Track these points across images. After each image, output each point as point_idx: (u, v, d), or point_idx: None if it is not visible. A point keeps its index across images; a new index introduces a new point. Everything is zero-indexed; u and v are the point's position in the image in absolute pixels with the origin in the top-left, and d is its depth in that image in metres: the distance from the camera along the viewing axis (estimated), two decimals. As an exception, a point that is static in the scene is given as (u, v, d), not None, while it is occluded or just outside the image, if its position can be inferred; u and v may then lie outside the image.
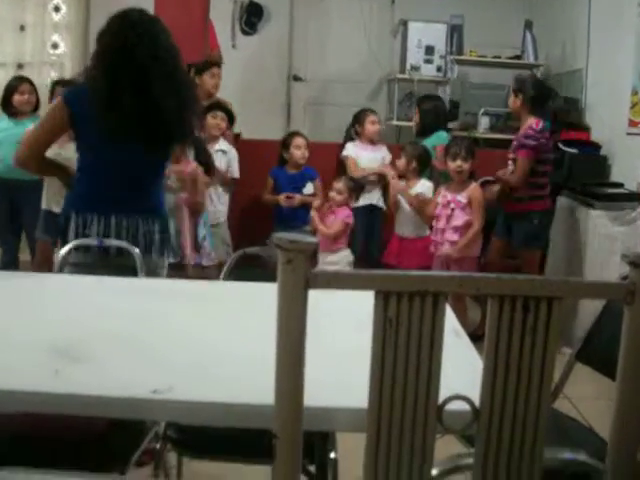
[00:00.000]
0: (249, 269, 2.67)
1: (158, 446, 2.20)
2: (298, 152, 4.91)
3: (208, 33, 5.68)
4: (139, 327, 1.92)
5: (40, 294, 2.25)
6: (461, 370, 1.47)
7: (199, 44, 5.42)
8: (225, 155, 4.75)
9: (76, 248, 2.70)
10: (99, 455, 1.93)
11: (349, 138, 5.27)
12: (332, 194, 4.67)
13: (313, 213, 4.72)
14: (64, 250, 2.69)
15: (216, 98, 4.99)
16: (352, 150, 5.15)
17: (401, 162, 4.74)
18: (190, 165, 4.20)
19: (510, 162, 4.51)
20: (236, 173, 4.81)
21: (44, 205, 4.54)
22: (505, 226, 4.64)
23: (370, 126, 5.13)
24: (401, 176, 4.78)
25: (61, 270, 2.67)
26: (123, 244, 2.73)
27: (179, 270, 4.10)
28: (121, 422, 1.92)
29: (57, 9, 6.94)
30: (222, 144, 4.75)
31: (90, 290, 2.32)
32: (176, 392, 1.47)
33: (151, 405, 1.47)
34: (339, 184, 4.68)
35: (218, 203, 4.72)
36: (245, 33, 6.84)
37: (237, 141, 5.13)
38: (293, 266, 1.07)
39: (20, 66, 6.95)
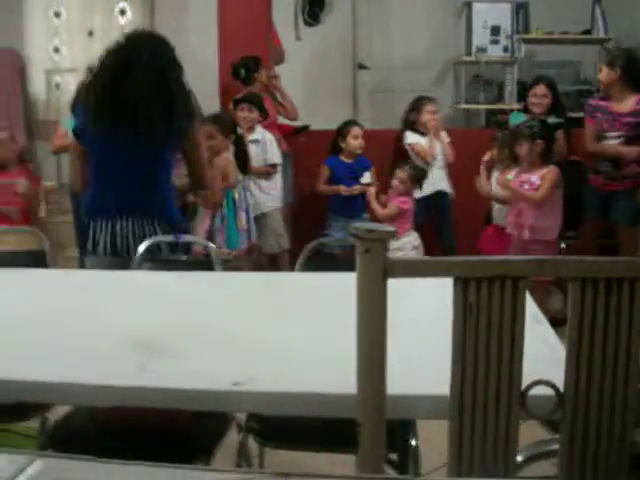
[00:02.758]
0: (314, 259, 2.67)
1: (241, 437, 2.24)
2: (356, 142, 4.87)
3: (271, 28, 5.71)
4: (219, 320, 1.95)
5: (118, 291, 2.31)
6: (543, 355, 1.45)
7: (262, 39, 5.45)
8: (258, 144, 4.73)
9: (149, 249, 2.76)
10: (183, 447, 1.97)
11: (406, 124, 5.19)
12: (395, 182, 4.63)
13: (371, 198, 4.69)
14: (141, 249, 2.75)
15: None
16: (412, 137, 5.11)
17: (494, 151, 4.63)
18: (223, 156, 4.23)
19: (617, 143, 4.39)
20: (276, 158, 4.78)
21: None
22: (602, 205, 4.50)
23: (427, 115, 5.05)
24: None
25: (139, 266, 2.73)
26: (198, 239, 2.78)
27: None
28: (204, 413, 1.95)
29: (123, 12, 7.08)
30: (255, 134, 4.74)
31: (169, 284, 2.37)
32: (257, 383, 1.49)
33: (233, 397, 1.50)
34: (403, 173, 4.64)
35: (260, 194, 4.72)
36: (308, 24, 6.84)
37: (304, 132, 5.14)
38: (371, 255, 1.07)
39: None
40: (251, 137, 4.71)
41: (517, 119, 5.05)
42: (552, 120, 4.85)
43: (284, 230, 4.82)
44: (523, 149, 4.23)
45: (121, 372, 1.58)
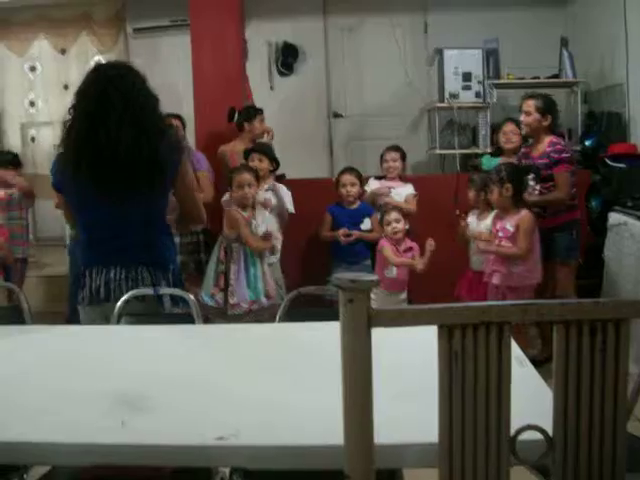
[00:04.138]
0: (309, 309, 2.66)
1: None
2: (343, 190, 4.92)
3: (246, 79, 5.77)
4: (201, 374, 1.93)
5: (99, 345, 2.28)
6: (529, 399, 1.44)
7: (238, 90, 5.50)
8: (273, 193, 4.78)
9: (128, 300, 2.72)
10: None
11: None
12: (392, 226, 4.57)
13: (387, 246, 4.62)
14: (120, 301, 2.72)
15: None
16: (373, 184, 5.17)
17: (470, 194, 4.66)
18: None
19: (534, 184, 4.46)
20: (289, 205, 4.83)
21: None
22: (543, 242, 4.49)
23: (389, 164, 5.13)
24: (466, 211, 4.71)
25: (118, 321, 2.70)
26: (177, 291, 2.76)
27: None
28: (188, 469, 1.92)
29: (98, 65, 7.13)
30: (268, 183, 4.79)
31: (148, 339, 2.34)
32: (242, 437, 1.47)
33: (217, 452, 1.48)
34: (393, 214, 4.62)
35: None
36: (282, 74, 6.93)
37: (281, 182, 5.16)
38: (355, 306, 1.07)
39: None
40: (266, 186, 4.76)
41: (489, 163, 5.12)
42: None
43: (282, 281, 4.79)
44: (494, 195, 4.25)
45: (101, 429, 1.55)
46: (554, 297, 4.39)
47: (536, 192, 4.47)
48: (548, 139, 4.49)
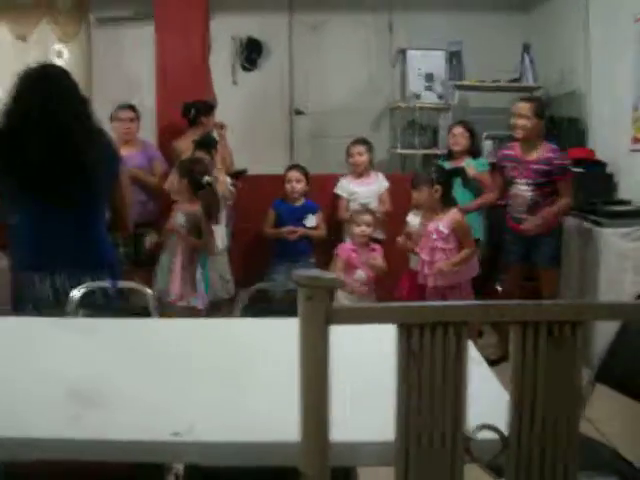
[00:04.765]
0: (256, 305, 2.65)
1: (179, 487, 2.18)
2: (288, 185, 4.92)
3: (209, 72, 5.74)
4: (156, 368, 1.91)
5: (53, 338, 2.25)
6: (484, 398, 1.45)
7: (201, 83, 5.47)
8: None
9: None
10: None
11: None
12: (361, 229, 4.56)
13: (346, 253, 4.61)
14: (77, 295, 2.68)
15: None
16: (345, 186, 5.16)
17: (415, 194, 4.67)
18: (195, 205, 4.23)
19: (527, 189, 4.50)
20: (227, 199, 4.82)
21: None
22: (523, 249, 4.60)
23: (356, 157, 5.12)
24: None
25: (76, 313, 2.66)
26: (133, 285, 2.73)
27: (164, 309, 4.07)
28: (141, 465, 1.90)
29: (59, 55, 7.02)
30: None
31: (103, 332, 2.31)
32: (197, 433, 1.46)
33: (172, 448, 1.46)
34: (366, 217, 4.60)
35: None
36: (246, 69, 6.90)
37: (241, 177, 5.14)
38: (314, 302, 1.06)
39: (24, 112, 7.01)
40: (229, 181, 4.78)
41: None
42: (474, 163, 4.99)
43: (230, 275, 4.76)
44: (423, 195, 4.27)
45: (54, 424, 1.52)
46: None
47: (528, 195, 4.48)
48: (546, 145, 4.50)
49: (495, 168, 4.85)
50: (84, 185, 2.66)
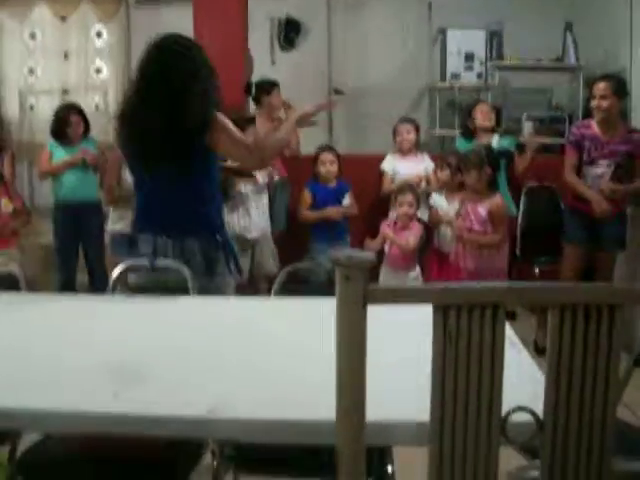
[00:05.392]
0: (294, 284, 2.66)
1: (215, 463, 2.21)
2: (322, 168, 4.90)
3: (248, 52, 5.74)
4: (194, 346, 1.94)
5: (95, 316, 2.28)
6: (521, 382, 1.45)
7: (240, 64, 5.47)
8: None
9: (129, 269, 2.74)
10: (157, 474, 1.94)
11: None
12: (403, 209, 4.55)
13: (386, 229, 4.63)
14: (116, 272, 2.72)
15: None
16: (390, 163, 5.15)
17: (444, 174, 4.68)
18: None
19: (605, 168, 4.37)
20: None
21: (110, 226, 4.65)
22: (589, 231, 4.43)
23: (403, 136, 5.11)
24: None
25: (114, 291, 2.70)
26: (173, 264, 2.75)
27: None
28: (179, 440, 1.93)
29: (99, 35, 7.07)
30: None
31: (143, 310, 2.34)
32: (233, 410, 1.47)
33: (208, 424, 1.48)
34: (408, 196, 4.58)
35: (262, 216, 4.75)
36: (284, 49, 6.88)
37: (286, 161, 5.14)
38: (351, 282, 1.07)
39: (65, 92, 7.09)
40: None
41: (464, 145, 5.09)
42: (501, 143, 4.93)
43: (276, 253, 4.84)
44: (471, 177, 4.23)
45: (94, 399, 1.55)
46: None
47: (608, 175, 4.33)
48: (624, 124, 4.39)
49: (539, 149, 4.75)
50: (174, 152, 2.73)
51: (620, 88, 4.36)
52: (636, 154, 4.31)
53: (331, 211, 4.84)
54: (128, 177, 4.11)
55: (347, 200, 4.92)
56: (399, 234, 4.57)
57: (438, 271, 4.59)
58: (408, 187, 4.70)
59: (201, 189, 2.85)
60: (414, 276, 4.59)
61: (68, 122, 5.07)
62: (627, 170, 4.33)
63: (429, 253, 4.71)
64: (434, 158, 5.18)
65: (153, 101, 2.73)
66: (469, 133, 5.14)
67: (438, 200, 4.69)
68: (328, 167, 4.90)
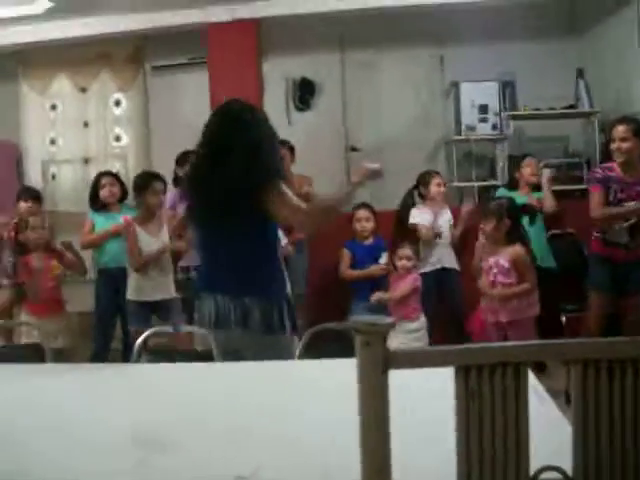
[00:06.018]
0: (328, 344, 2.66)
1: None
2: (357, 225, 4.95)
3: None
4: (220, 412, 1.93)
5: (122, 384, 2.29)
6: (549, 436, 1.43)
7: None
8: None
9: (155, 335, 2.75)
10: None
11: (409, 203, 5.28)
12: (402, 262, 4.62)
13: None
14: (140, 339, 2.74)
15: None
16: (419, 216, 5.16)
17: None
18: None
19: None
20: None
21: (133, 296, 4.64)
22: (614, 276, 4.40)
23: (435, 188, 5.15)
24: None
25: (138, 358, 2.72)
26: (194, 329, 2.77)
27: None
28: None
29: (118, 103, 7.22)
30: None
31: (166, 378, 2.35)
32: (260, 477, 1.47)
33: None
34: (406, 250, 4.65)
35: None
36: (299, 110, 6.98)
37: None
38: (371, 349, 1.07)
39: (86, 161, 7.22)
40: None
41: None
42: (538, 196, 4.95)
43: None
44: (489, 227, 4.23)
45: (119, 469, 1.55)
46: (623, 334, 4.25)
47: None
48: None
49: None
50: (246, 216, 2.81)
51: (639, 130, 4.37)
52: None
53: (375, 269, 4.84)
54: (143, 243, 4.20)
55: (384, 258, 4.91)
56: (396, 283, 4.62)
57: (480, 328, 4.52)
58: (406, 241, 4.78)
59: (261, 249, 2.90)
60: (415, 327, 4.57)
61: (100, 186, 5.08)
62: None
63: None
64: (454, 212, 5.21)
65: (221, 166, 2.81)
66: (514, 185, 5.18)
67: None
68: (364, 224, 4.94)
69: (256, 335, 2.70)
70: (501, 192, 5.37)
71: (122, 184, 5.19)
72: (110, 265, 5.00)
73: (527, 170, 5.20)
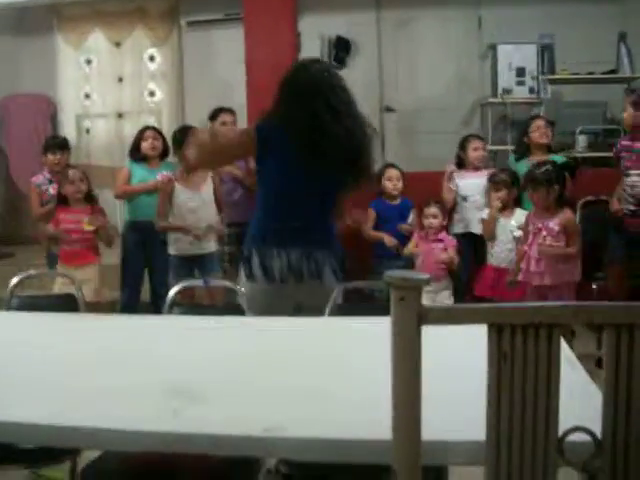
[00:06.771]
0: (355, 303, 2.68)
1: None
2: (389, 184, 4.92)
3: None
4: (251, 365, 1.96)
5: (155, 335, 2.33)
6: (579, 401, 1.44)
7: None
8: None
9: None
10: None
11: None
12: (429, 221, 4.63)
13: (413, 242, 4.67)
14: (173, 291, 2.77)
15: None
16: (454, 178, 5.12)
17: (501, 193, 4.63)
18: None
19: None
20: None
21: (174, 251, 4.66)
22: (628, 249, 4.44)
23: (472, 152, 5.08)
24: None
25: (171, 310, 2.75)
26: (227, 283, 2.79)
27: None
28: (235, 458, 1.95)
29: (152, 59, 7.22)
30: None
31: (198, 330, 2.38)
32: (288, 429, 1.48)
33: (264, 443, 1.50)
34: (432, 209, 4.65)
35: None
36: (335, 68, 6.93)
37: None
38: (406, 303, 1.07)
39: (120, 115, 7.25)
40: None
41: (514, 162, 5.06)
42: (559, 159, 4.88)
43: None
44: (539, 195, 4.19)
45: (153, 417, 1.58)
46: None
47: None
48: None
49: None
50: (353, 176, 2.95)
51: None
52: None
53: (386, 240, 4.83)
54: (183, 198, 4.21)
55: (411, 217, 4.91)
56: (429, 246, 4.61)
57: (491, 288, 4.55)
58: (432, 200, 4.74)
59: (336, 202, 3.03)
60: (444, 286, 4.60)
61: (142, 139, 5.02)
62: None
63: (483, 269, 4.67)
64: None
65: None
66: (524, 150, 5.08)
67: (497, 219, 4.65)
68: (395, 182, 4.92)
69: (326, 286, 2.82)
70: (511, 159, 5.26)
71: (165, 141, 5.17)
72: (140, 218, 4.97)
73: (535, 132, 5.05)
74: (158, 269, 4.95)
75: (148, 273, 5.11)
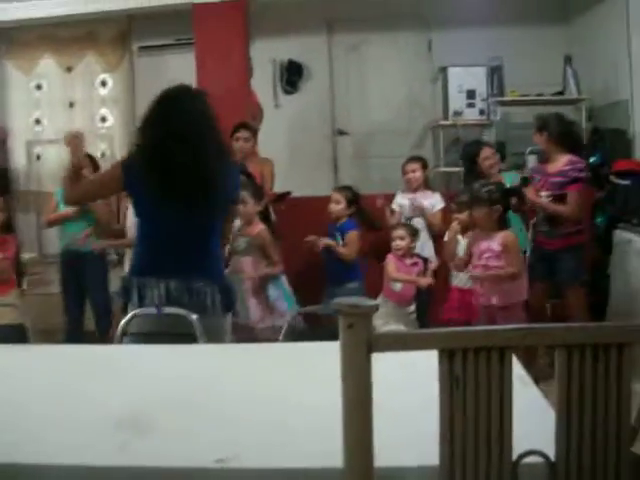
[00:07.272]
0: (310, 328, 2.66)
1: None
2: (331, 206, 4.88)
3: (258, 103, 5.80)
4: (201, 394, 1.92)
5: (101, 366, 2.27)
6: (531, 420, 1.43)
7: (242, 107, 5.52)
8: None
9: (136, 316, 2.73)
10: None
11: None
12: (396, 243, 4.63)
13: (391, 261, 4.66)
14: (124, 320, 2.72)
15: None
16: (397, 200, 5.15)
17: (462, 215, 4.58)
18: (257, 227, 4.30)
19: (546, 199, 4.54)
20: None
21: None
22: (545, 266, 4.56)
23: (410, 174, 5.12)
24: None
25: (121, 339, 2.70)
26: (181, 311, 2.75)
27: (246, 332, 4.13)
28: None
29: (104, 84, 7.16)
30: None
31: (150, 359, 2.33)
32: (241, 460, 1.46)
33: (216, 474, 1.46)
34: (399, 231, 4.67)
35: None
36: (287, 92, 6.95)
37: (285, 199, 5.16)
38: (355, 330, 1.06)
39: (71, 141, 7.16)
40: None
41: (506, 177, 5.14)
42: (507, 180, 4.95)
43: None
44: (480, 214, 4.22)
45: (101, 451, 1.54)
46: (566, 320, 4.34)
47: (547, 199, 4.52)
48: (565, 158, 4.52)
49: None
50: (210, 202, 2.84)
51: (544, 126, 4.64)
52: (567, 184, 4.49)
53: (309, 240, 4.78)
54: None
55: (338, 239, 4.84)
56: (403, 265, 4.62)
57: (458, 310, 4.56)
58: (399, 224, 4.80)
59: (214, 231, 2.96)
60: (410, 311, 4.64)
61: None
62: None
63: (449, 291, 4.68)
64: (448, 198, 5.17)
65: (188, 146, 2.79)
66: (475, 177, 5.12)
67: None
68: (331, 205, 4.90)
69: (204, 317, 2.73)
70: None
71: (95, 165, 5.14)
72: (70, 246, 4.98)
73: (485, 163, 5.12)
74: (98, 296, 4.93)
75: (89, 301, 5.07)
